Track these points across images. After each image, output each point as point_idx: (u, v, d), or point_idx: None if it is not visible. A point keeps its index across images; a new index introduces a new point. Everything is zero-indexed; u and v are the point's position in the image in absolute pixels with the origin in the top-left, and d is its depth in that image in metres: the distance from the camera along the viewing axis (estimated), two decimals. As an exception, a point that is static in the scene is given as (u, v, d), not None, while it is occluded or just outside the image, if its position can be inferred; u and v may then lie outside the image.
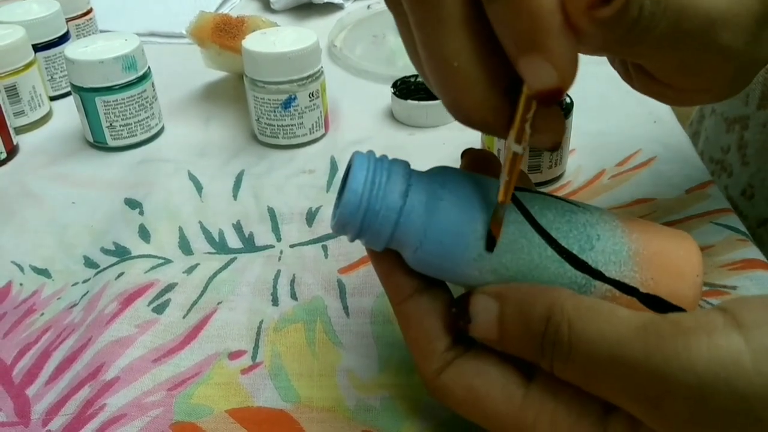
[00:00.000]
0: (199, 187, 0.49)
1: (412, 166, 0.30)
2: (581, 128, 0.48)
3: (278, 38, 0.51)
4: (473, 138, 0.49)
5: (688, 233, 0.29)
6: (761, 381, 0.21)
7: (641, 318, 0.24)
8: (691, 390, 0.22)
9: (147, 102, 0.53)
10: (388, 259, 0.30)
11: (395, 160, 0.29)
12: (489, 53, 0.25)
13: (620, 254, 0.27)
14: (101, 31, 0.70)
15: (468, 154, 0.33)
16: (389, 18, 0.29)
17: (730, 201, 0.57)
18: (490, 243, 0.27)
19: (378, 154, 0.30)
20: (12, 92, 0.55)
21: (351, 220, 0.28)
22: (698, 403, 0.22)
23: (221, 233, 0.44)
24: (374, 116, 0.56)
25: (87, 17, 0.67)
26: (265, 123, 0.52)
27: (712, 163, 0.61)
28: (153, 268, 0.42)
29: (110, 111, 0.52)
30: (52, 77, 0.61)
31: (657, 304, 0.27)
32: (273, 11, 0.76)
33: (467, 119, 0.26)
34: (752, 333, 0.22)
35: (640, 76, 0.31)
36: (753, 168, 0.57)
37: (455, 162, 0.34)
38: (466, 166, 0.33)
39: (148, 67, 0.54)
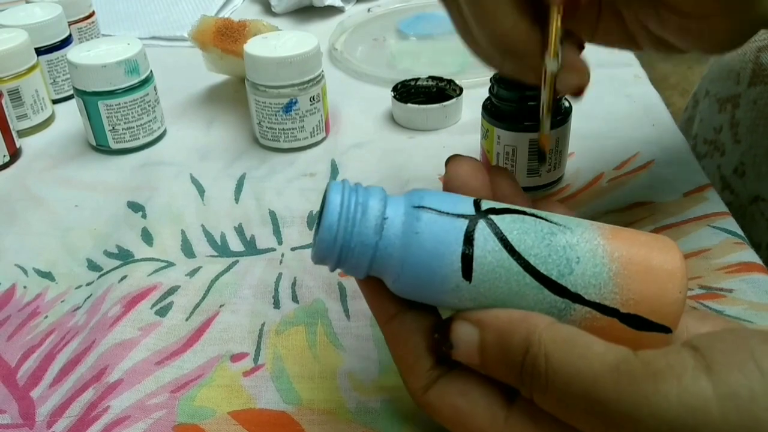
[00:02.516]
0: (201, 191, 0.49)
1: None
2: (580, 131, 0.49)
3: (279, 42, 0.51)
4: (473, 141, 0.49)
5: (678, 241, 0.29)
6: (728, 429, 0.22)
7: (616, 355, 0.24)
8: None
9: (149, 105, 0.54)
10: (372, 282, 0.29)
11: (370, 189, 0.29)
12: None
13: (600, 276, 0.27)
14: (103, 35, 0.70)
15: (453, 162, 0.32)
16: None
17: (722, 180, 0.58)
18: (541, 156, 0.34)
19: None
20: (15, 95, 0.56)
21: (328, 255, 0.28)
22: None
23: (223, 236, 0.45)
24: (375, 119, 0.57)
25: (89, 20, 0.68)
26: (266, 126, 0.52)
27: (706, 144, 0.61)
28: (156, 271, 0.42)
29: (113, 114, 0.52)
30: (54, 80, 0.61)
31: (638, 323, 0.27)
32: (274, 14, 0.77)
33: (503, 44, 0.34)
34: (720, 378, 0.22)
35: (654, 22, 0.34)
36: (744, 146, 0.57)
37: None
38: (451, 176, 0.32)
39: (151, 71, 0.54)
